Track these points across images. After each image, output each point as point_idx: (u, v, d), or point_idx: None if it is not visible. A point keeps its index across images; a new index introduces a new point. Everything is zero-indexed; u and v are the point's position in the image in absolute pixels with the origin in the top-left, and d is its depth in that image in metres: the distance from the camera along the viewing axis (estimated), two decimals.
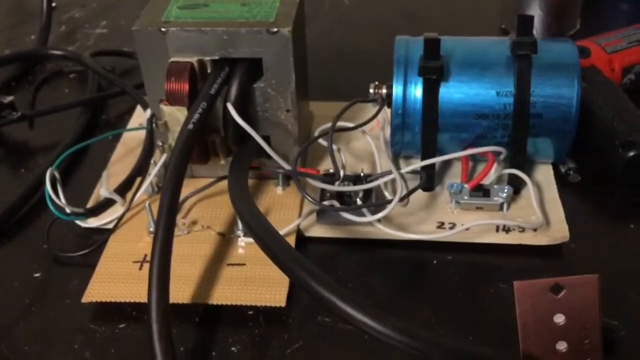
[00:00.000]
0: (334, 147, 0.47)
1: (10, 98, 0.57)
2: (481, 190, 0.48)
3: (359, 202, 0.47)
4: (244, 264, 0.45)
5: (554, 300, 0.34)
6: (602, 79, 0.56)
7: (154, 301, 0.37)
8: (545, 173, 0.52)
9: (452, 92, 0.48)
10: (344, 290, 0.34)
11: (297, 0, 0.48)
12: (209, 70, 0.46)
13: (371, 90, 0.50)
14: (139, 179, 0.51)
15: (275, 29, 0.44)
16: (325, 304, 0.34)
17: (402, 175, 0.48)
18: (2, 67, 0.68)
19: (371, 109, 0.50)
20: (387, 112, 0.51)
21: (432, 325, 0.42)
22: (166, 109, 0.45)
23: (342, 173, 0.48)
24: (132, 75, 0.66)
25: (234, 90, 0.46)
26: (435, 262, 0.46)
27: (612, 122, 0.51)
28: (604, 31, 0.61)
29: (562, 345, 0.35)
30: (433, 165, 0.49)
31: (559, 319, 0.34)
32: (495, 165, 0.49)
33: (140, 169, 0.52)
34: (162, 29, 0.45)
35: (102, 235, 0.48)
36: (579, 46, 0.52)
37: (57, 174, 0.48)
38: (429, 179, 0.50)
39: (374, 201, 0.48)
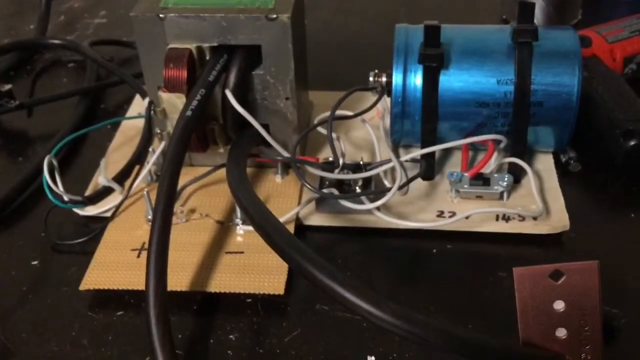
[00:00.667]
0: (333, 135, 0.47)
1: (8, 86, 0.57)
2: (481, 179, 0.48)
3: (358, 190, 0.47)
4: (242, 252, 0.45)
5: (553, 286, 0.34)
6: (604, 68, 0.56)
7: (151, 289, 0.37)
8: (545, 162, 0.51)
9: (453, 80, 0.47)
10: (343, 275, 0.34)
11: None
12: (207, 57, 0.46)
13: (371, 79, 0.50)
14: (137, 167, 0.51)
15: (274, 16, 0.44)
16: (324, 290, 0.34)
17: (401, 164, 0.48)
18: (0, 56, 0.67)
19: (372, 98, 0.50)
20: (387, 100, 0.50)
21: (431, 314, 0.41)
22: (164, 96, 0.45)
23: (341, 161, 0.47)
24: (131, 65, 0.66)
25: (232, 78, 0.46)
26: (434, 250, 0.46)
27: (613, 112, 0.51)
28: (606, 22, 0.61)
29: (561, 332, 0.35)
30: (433, 153, 0.49)
31: (559, 305, 0.34)
32: (495, 154, 0.49)
33: (139, 157, 0.52)
34: (160, 15, 0.45)
35: (100, 223, 0.48)
36: (580, 35, 0.52)
37: (55, 162, 0.48)
38: (429, 168, 0.49)
39: (374, 189, 0.47)
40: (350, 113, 0.49)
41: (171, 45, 0.45)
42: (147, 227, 0.47)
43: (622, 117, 0.50)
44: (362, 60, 0.64)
